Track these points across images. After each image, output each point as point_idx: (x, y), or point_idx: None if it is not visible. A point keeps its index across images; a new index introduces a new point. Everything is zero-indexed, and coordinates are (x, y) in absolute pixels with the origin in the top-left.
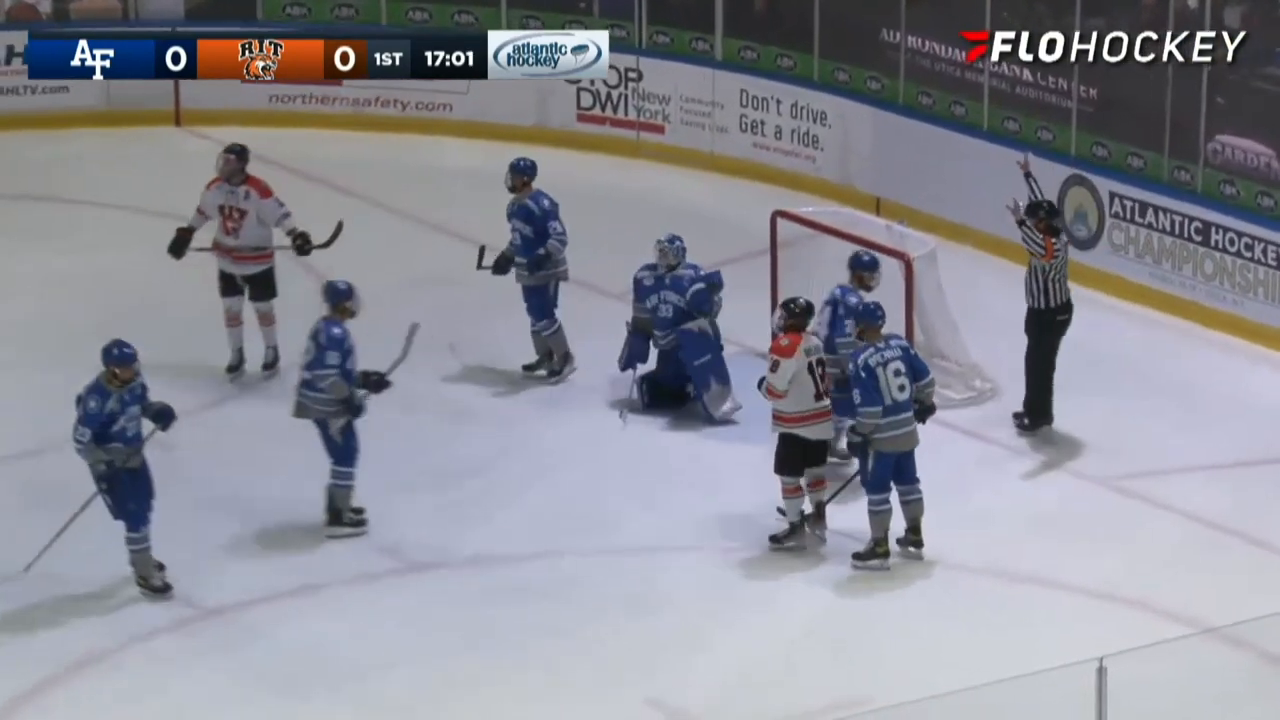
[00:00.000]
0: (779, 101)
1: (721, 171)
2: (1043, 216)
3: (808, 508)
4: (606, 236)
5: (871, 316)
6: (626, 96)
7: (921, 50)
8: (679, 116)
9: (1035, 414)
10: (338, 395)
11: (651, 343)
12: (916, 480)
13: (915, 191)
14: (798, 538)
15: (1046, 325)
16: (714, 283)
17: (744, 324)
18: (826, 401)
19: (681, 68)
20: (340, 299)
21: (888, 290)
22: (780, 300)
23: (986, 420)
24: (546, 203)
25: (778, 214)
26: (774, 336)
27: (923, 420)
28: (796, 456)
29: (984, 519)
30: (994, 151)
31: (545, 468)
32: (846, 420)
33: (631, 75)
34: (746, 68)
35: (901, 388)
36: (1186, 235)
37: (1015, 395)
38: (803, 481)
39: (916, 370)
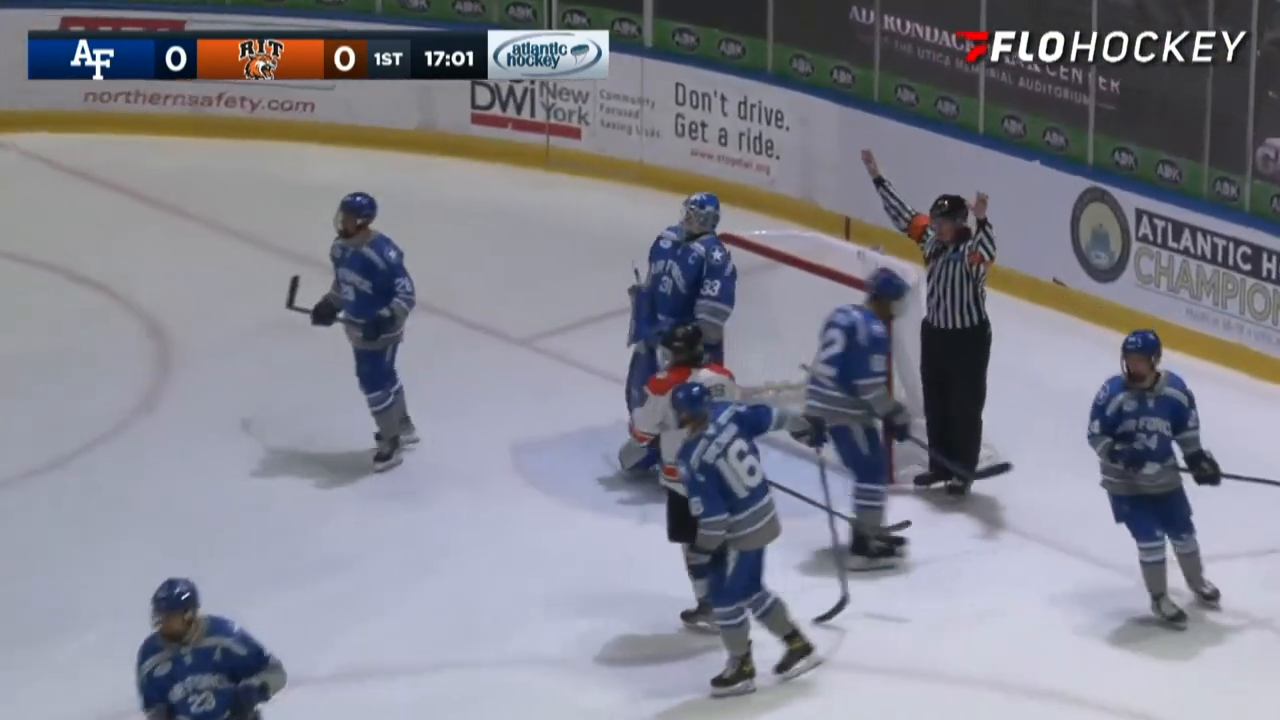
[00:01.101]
0: (724, 98)
1: (653, 185)
2: (949, 213)
3: None
4: (508, 268)
5: (695, 403)
6: (533, 93)
7: (901, 33)
8: (599, 117)
9: (969, 468)
10: (884, 411)
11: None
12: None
13: None
14: (708, 616)
15: (984, 342)
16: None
17: None
18: None
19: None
20: (892, 294)
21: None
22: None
23: (982, 495)
24: (393, 254)
25: (723, 238)
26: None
27: (818, 443)
28: (685, 518)
29: (986, 619)
30: (992, 159)
31: (426, 561)
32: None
33: None
34: (683, 56)
35: (751, 470)
36: (1231, 263)
37: (1024, 462)
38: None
39: (756, 426)
